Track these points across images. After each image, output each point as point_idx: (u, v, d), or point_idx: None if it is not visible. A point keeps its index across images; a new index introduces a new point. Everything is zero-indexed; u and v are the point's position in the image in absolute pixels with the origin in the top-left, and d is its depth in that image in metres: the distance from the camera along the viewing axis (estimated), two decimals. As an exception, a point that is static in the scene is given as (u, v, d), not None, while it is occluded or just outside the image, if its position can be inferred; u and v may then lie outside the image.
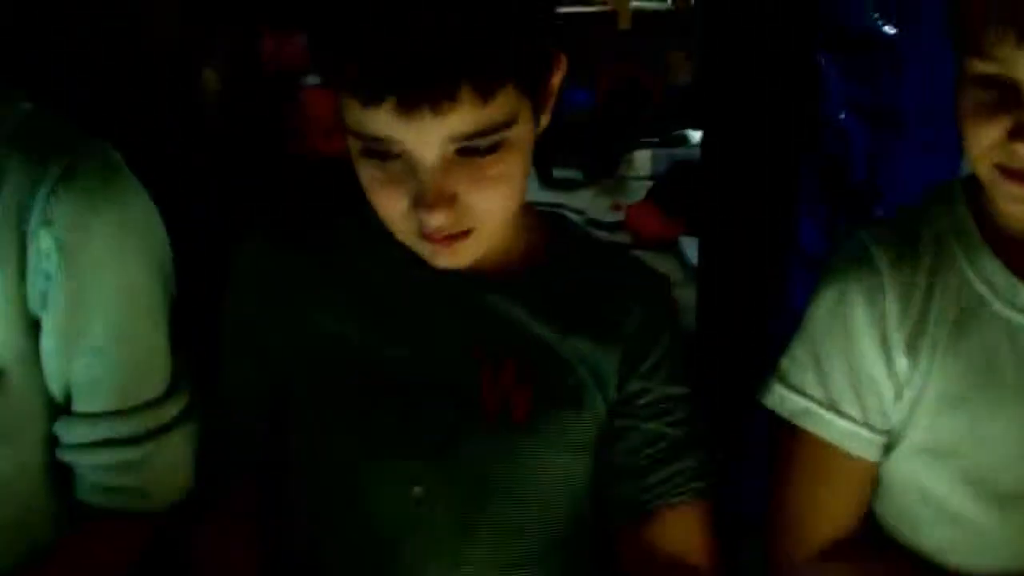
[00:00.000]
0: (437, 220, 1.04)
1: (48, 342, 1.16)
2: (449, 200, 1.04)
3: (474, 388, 1.15)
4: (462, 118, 0.99)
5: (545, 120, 1.11)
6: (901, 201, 1.73)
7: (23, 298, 1.14)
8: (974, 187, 1.15)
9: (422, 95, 0.97)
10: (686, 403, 1.20)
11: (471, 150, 1.03)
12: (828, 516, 1.20)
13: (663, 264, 2.52)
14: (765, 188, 1.76)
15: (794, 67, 1.65)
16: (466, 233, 1.07)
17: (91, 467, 1.21)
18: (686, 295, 2.05)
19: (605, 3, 5.06)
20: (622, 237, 2.71)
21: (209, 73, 3.45)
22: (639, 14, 5.63)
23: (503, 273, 1.18)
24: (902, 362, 1.14)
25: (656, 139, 3.68)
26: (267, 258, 1.22)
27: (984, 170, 1.08)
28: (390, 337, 1.17)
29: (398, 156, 1.03)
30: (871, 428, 1.16)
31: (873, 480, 1.20)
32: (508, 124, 1.03)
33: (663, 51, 5.61)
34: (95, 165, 1.17)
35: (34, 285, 1.13)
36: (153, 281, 1.21)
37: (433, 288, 1.17)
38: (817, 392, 1.18)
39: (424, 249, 1.09)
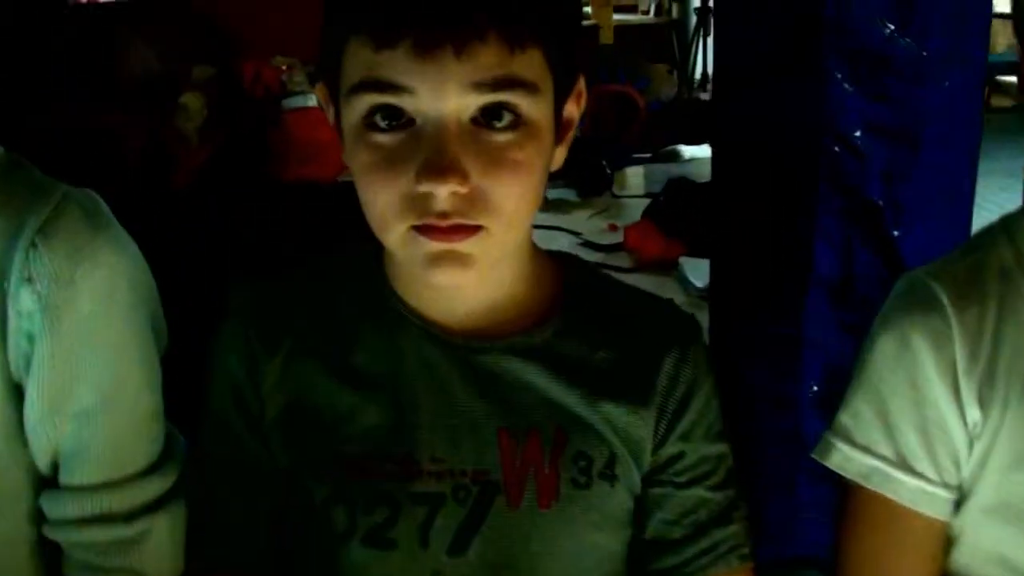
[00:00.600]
0: (447, 190, 0.92)
1: (32, 409, 1.08)
2: (462, 173, 0.92)
3: (495, 471, 1.04)
4: (485, 64, 0.89)
5: (561, 154, 1.03)
6: (918, 221, 1.69)
7: (4, 363, 1.06)
8: None
9: (444, 34, 0.88)
10: (726, 462, 1.11)
11: (488, 119, 0.93)
12: None
13: (665, 287, 2.47)
14: (778, 209, 1.70)
15: (808, 85, 1.58)
16: (476, 229, 0.95)
17: (80, 545, 1.12)
18: (692, 319, 1.99)
19: (587, 18, 5.02)
20: (620, 259, 2.66)
21: (192, 97, 3.41)
22: (621, 28, 5.61)
23: (517, 332, 1.07)
24: (973, 413, 1.05)
25: (648, 155, 3.64)
26: (256, 333, 1.10)
27: None
28: (403, 416, 1.05)
29: (406, 124, 0.93)
30: (945, 486, 1.09)
31: (945, 541, 1.12)
32: (530, 89, 0.93)
33: (646, 65, 5.61)
34: (78, 215, 1.09)
35: (16, 348, 1.05)
36: (144, 337, 1.14)
37: (443, 358, 1.06)
38: (886, 451, 1.10)
39: (421, 252, 0.96)
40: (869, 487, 1.10)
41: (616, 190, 3.24)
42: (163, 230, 1.39)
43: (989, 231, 1.13)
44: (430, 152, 0.91)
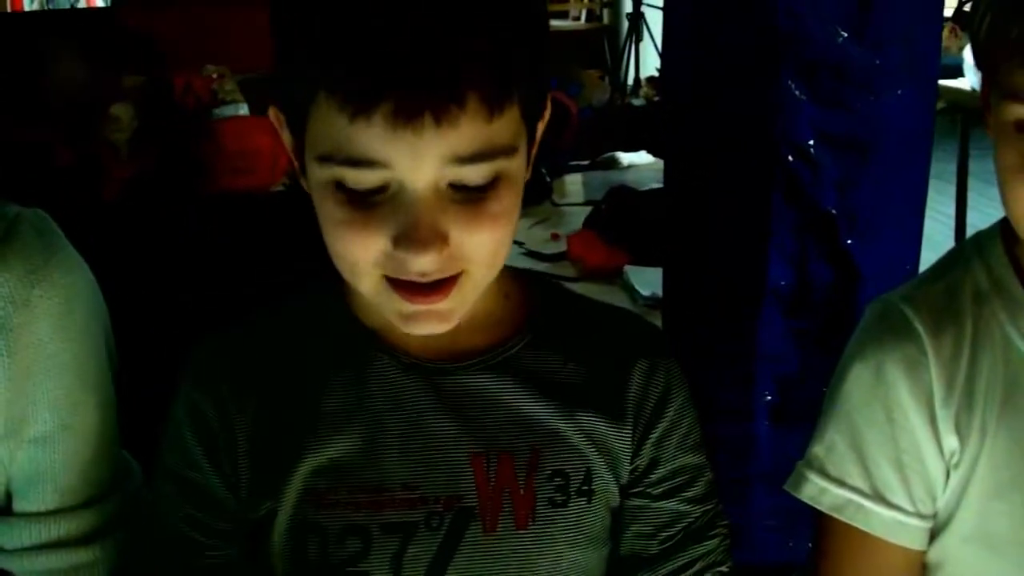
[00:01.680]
0: (426, 263, 0.89)
1: None
2: (442, 239, 0.88)
3: (468, 496, 1.01)
4: (465, 134, 0.85)
5: (527, 173, 1.01)
6: (871, 230, 1.70)
7: None
8: (1010, 236, 1.06)
9: (424, 100, 0.83)
10: (705, 476, 1.09)
11: (466, 186, 0.88)
12: None
13: (612, 295, 2.47)
14: (732, 219, 1.70)
15: (762, 94, 1.59)
16: (453, 280, 0.92)
17: (36, 573, 1.08)
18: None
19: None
20: (565, 268, 2.66)
21: (122, 108, 3.35)
22: (552, 34, 5.56)
23: (486, 349, 1.04)
24: (951, 441, 1.03)
25: (586, 162, 3.65)
26: (221, 373, 1.05)
27: None
28: (371, 447, 1.02)
29: (380, 189, 0.88)
30: (920, 516, 1.07)
31: (923, 571, 1.12)
32: (509, 152, 0.89)
33: (578, 71, 5.62)
34: (32, 235, 1.05)
35: None
36: (99, 358, 1.11)
37: (411, 383, 1.03)
38: (860, 483, 1.07)
39: (396, 308, 0.94)
40: (843, 519, 1.08)
41: (556, 198, 3.23)
42: (94, 244, 1.35)
43: (961, 252, 1.11)
44: (407, 220, 0.88)
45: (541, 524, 1.02)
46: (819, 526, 1.11)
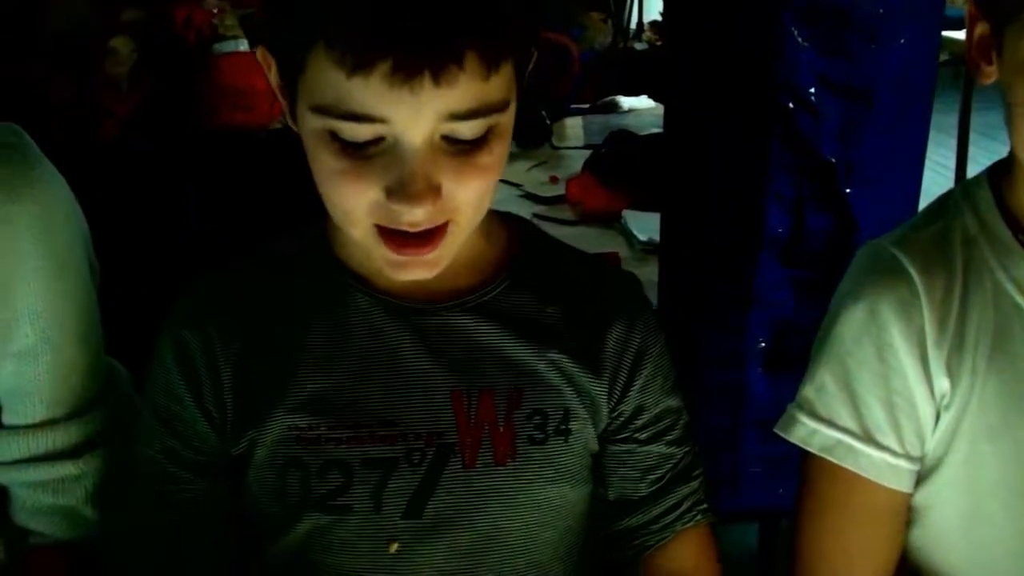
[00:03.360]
0: (419, 214, 0.90)
1: None
2: (435, 191, 0.90)
3: (449, 433, 1.03)
4: (463, 92, 0.86)
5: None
6: (870, 179, 1.69)
7: None
8: (1000, 182, 1.07)
9: (424, 58, 0.83)
10: (683, 417, 1.12)
11: (458, 139, 0.90)
12: (867, 559, 1.11)
13: (609, 239, 2.47)
14: (730, 166, 1.69)
15: (763, 40, 1.57)
16: (441, 229, 0.94)
17: (28, 485, 1.10)
18: (636, 273, 1.99)
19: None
20: (562, 211, 2.65)
21: (121, 41, 3.31)
22: (555, -24, 5.53)
23: (467, 291, 1.06)
24: (942, 383, 1.04)
25: (586, 106, 3.62)
26: (207, 310, 1.07)
27: None
28: (353, 384, 1.04)
29: (375, 142, 0.89)
30: (909, 458, 1.08)
31: (907, 517, 1.12)
32: (502, 108, 0.91)
33: (580, 13, 5.57)
34: (8, 151, 1.06)
35: None
36: (81, 271, 1.12)
37: (393, 322, 1.04)
38: (851, 424, 1.08)
39: (384, 255, 0.95)
40: (832, 460, 1.09)
41: (555, 141, 3.21)
42: (95, 182, 1.35)
43: (950, 198, 1.12)
44: (402, 173, 0.89)
45: (520, 461, 1.04)
46: (807, 468, 1.12)
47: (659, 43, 5.03)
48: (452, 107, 0.87)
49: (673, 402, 1.11)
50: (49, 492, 1.11)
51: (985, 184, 1.07)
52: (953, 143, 3.24)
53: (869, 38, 1.57)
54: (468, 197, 0.93)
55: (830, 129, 1.63)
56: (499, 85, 0.89)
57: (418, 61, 0.83)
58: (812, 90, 1.60)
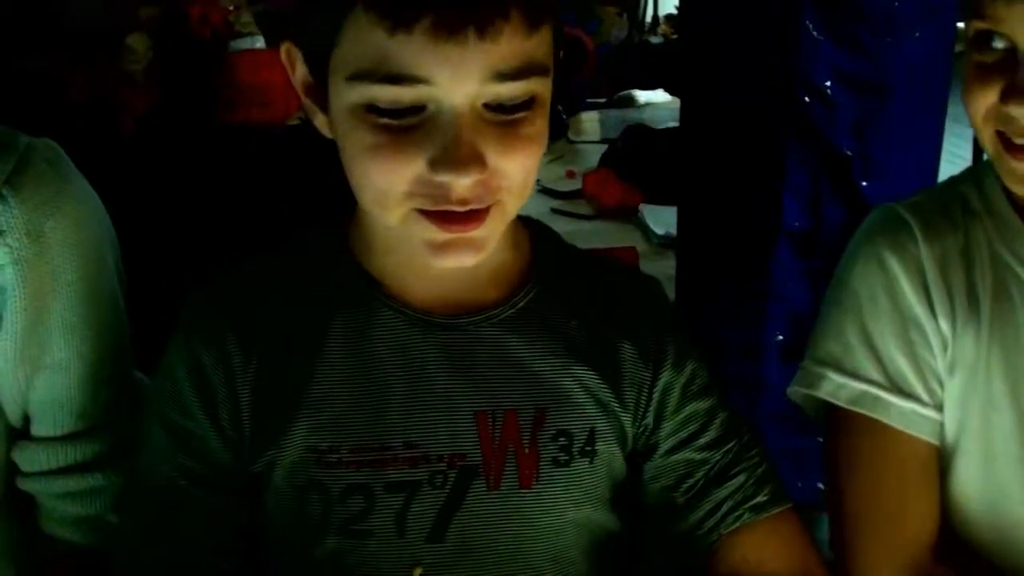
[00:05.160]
0: (466, 183, 0.86)
1: (5, 362, 1.06)
2: (481, 162, 0.86)
3: (473, 454, 1.00)
4: (506, 48, 0.83)
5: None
6: (886, 172, 1.69)
7: None
8: None
9: (468, 12, 0.81)
10: (717, 417, 1.06)
11: (501, 105, 0.86)
12: (907, 516, 1.10)
13: (626, 234, 2.48)
14: (747, 159, 1.70)
15: (780, 34, 1.58)
16: (487, 210, 0.89)
17: (57, 496, 1.11)
18: (653, 267, 1.99)
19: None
20: (580, 206, 2.65)
21: (138, 38, 3.33)
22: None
23: (494, 303, 1.02)
24: (944, 325, 1.07)
25: (602, 100, 3.62)
26: (221, 321, 1.01)
27: (989, 144, 1.02)
28: (376, 403, 0.99)
29: (415, 110, 0.85)
30: (935, 408, 1.08)
31: (936, 468, 1.10)
32: (543, 72, 0.87)
33: (596, 7, 5.57)
34: (44, 166, 1.06)
35: None
36: (111, 285, 1.12)
37: (418, 337, 1.00)
38: (876, 375, 1.08)
39: (427, 237, 0.91)
40: (861, 411, 1.09)
41: (572, 135, 3.22)
42: (112, 178, 1.35)
43: (958, 176, 1.15)
44: (446, 141, 0.85)
45: (544, 483, 1.01)
46: (835, 428, 1.12)
47: (674, 36, 5.03)
48: (497, 64, 0.84)
49: (700, 404, 1.05)
50: (77, 502, 1.11)
51: (988, 164, 1.09)
52: (970, 134, 3.23)
53: (884, 31, 1.57)
54: (514, 172, 0.89)
55: (846, 122, 1.64)
56: (540, 45, 0.87)
57: (462, 14, 0.81)
58: (828, 84, 1.60)
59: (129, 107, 3.28)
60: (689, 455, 1.04)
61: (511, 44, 0.83)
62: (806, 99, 1.61)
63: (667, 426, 1.04)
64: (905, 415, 1.07)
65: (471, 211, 0.88)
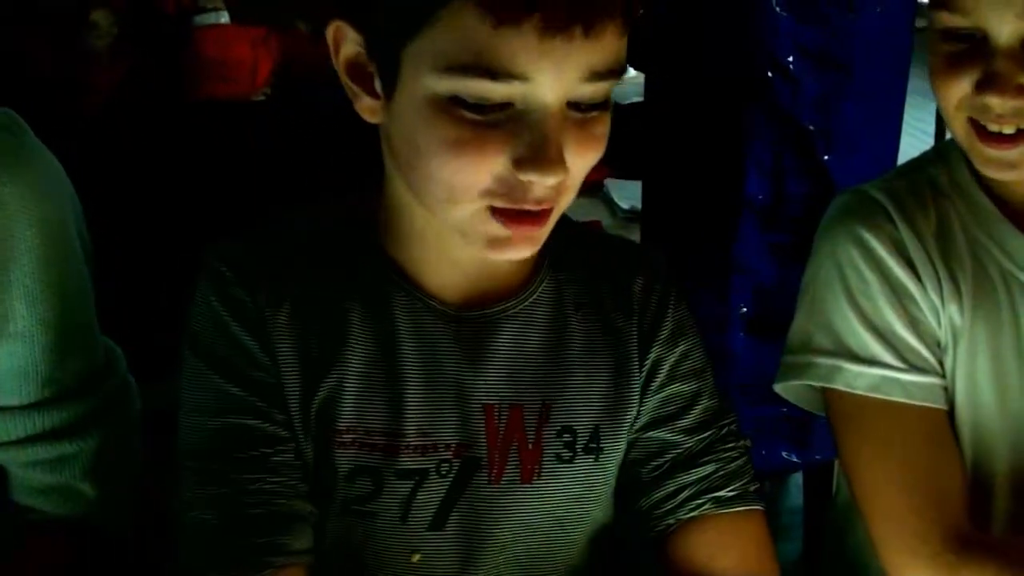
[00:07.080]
0: (551, 183, 0.84)
1: None
2: (564, 162, 0.84)
3: (478, 446, 1.00)
4: (606, 47, 0.82)
5: None
6: (849, 146, 1.71)
7: None
8: None
9: (577, 9, 0.79)
10: (700, 404, 1.05)
11: (579, 104, 0.85)
12: (943, 488, 1.09)
13: (592, 208, 2.48)
14: (711, 134, 1.71)
15: (743, 9, 1.59)
16: (552, 210, 0.89)
17: (26, 464, 1.11)
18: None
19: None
20: (546, 181, 2.65)
21: (102, 14, 3.29)
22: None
23: (509, 295, 1.01)
24: (935, 299, 1.09)
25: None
26: (238, 291, 0.98)
27: (960, 130, 1.03)
28: (392, 389, 0.99)
29: (502, 106, 0.83)
30: (942, 376, 1.10)
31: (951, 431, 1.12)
32: (623, 72, 0.86)
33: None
34: (2, 135, 1.06)
35: None
36: (73, 250, 1.11)
37: (436, 326, 1.00)
38: (890, 358, 1.09)
39: (490, 233, 0.89)
40: (879, 397, 1.09)
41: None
42: (78, 154, 1.34)
43: (924, 158, 1.17)
44: (533, 139, 0.83)
45: (545, 479, 1.01)
46: (851, 417, 1.12)
47: (640, 12, 5.02)
48: (595, 63, 0.82)
49: (686, 387, 1.05)
50: (47, 470, 1.11)
51: (958, 150, 1.10)
52: (932, 107, 3.26)
53: (846, 6, 1.59)
54: (580, 172, 0.88)
55: (808, 97, 1.66)
56: (624, 47, 0.86)
57: (571, 12, 0.79)
58: (790, 59, 1.62)
59: (94, 83, 3.25)
60: (663, 435, 1.04)
61: (609, 44, 0.82)
62: (769, 74, 1.63)
63: (648, 402, 1.04)
64: (923, 389, 1.09)
65: (543, 210, 0.87)
